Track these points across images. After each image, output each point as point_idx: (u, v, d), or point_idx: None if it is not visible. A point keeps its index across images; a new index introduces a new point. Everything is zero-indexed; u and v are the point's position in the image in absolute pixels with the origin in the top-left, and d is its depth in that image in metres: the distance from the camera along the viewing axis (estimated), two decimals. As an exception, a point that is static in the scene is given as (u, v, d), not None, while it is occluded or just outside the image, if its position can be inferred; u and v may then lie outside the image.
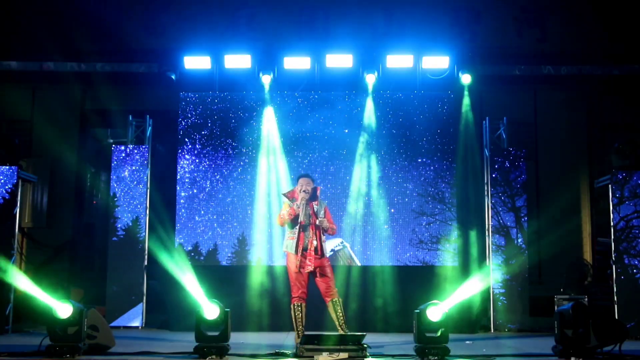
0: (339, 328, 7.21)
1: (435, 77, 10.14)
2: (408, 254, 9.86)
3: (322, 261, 7.23)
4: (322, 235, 7.26)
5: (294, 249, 7.20)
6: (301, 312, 7.21)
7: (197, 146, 10.13)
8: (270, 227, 9.92)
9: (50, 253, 11.09)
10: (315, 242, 7.19)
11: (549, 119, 11.32)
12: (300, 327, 7.20)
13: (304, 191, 7.25)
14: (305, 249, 7.17)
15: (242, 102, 10.21)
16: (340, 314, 7.22)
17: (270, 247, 9.89)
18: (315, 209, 7.29)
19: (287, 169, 10.00)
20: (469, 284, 9.42)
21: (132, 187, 9.98)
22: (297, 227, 7.21)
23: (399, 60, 9.98)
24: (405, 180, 10.03)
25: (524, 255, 9.79)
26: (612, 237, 9.37)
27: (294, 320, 7.23)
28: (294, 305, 7.25)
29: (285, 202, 7.44)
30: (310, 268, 7.15)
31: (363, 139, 10.04)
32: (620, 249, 9.32)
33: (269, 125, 10.08)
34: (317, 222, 7.23)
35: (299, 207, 7.21)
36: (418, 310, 6.63)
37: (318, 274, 7.23)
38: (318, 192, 7.40)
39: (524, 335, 9.20)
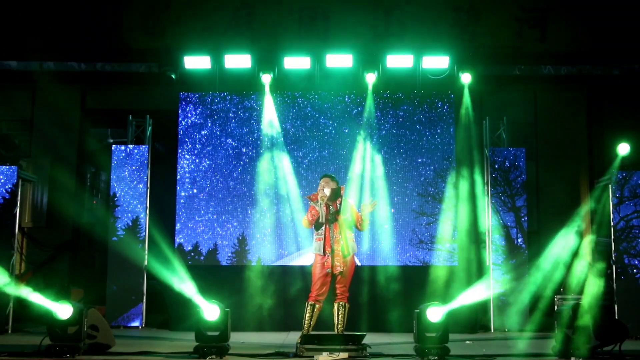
0: (336, 330, 7.21)
1: (435, 77, 10.14)
2: (408, 254, 9.86)
3: (347, 260, 7.23)
4: (347, 233, 7.26)
5: (321, 250, 7.21)
6: (312, 312, 7.19)
7: (197, 146, 10.12)
8: (270, 227, 9.92)
9: (50, 253, 11.09)
10: (341, 242, 7.19)
11: (549, 119, 11.32)
12: (307, 327, 7.19)
13: (323, 191, 7.28)
14: (332, 250, 7.18)
15: (242, 102, 10.21)
16: (342, 319, 7.21)
17: (270, 247, 9.88)
18: (339, 208, 7.29)
19: (288, 168, 10.01)
20: (469, 284, 9.46)
21: (132, 187, 9.98)
22: (323, 228, 7.23)
23: (399, 60, 9.97)
24: (405, 180, 10.02)
25: (524, 255, 9.80)
26: (612, 237, 9.38)
27: (303, 318, 7.22)
28: (308, 303, 7.24)
29: (311, 205, 7.45)
30: (340, 268, 7.14)
31: (363, 139, 10.04)
32: (620, 249, 9.33)
33: (269, 124, 10.08)
34: (342, 220, 7.23)
35: (319, 210, 7.22)
36: (418, 310, 6.63)
37: (340, 274, 7.23)
38: (342, 191, 7.42)
39: (524, 335, 9.19)
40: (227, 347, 6.66)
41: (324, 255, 7.18)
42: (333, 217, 7.24)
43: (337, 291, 7.25)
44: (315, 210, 7.26)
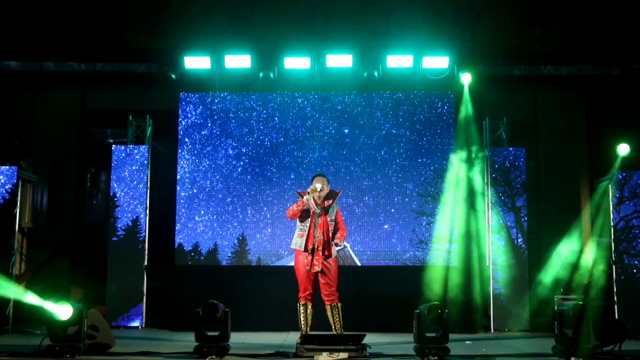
0: (335, 331, 7.22)
1: (435, 77, 10.14)
2: (408, 254, 9.86)
3: (329, 261, 7.24)
4: (330, 235, 7.27)
5: (302, 246, 7.22)
6: (305, 312, 7.22)
7: (197, 146, 10.13)
8: (270, 227, 9.93)
9: (50, 253, 11.07)
10: (323, 242, 7.21)
11: (549, 119, 11.31)
12: (304, 327, 7.20)
13: (315, 186, 7.31)
14: (314, 248, 7.19)
15: (242, 102, 10.21)
16: (337, 319, 7.22)
17: (270, 247, 9.89)
18: (327, 208, 7.30)
19: (288, 169, 10.02)
20: (469, 284, 9.46)
21: (132, 187, 9.97)
22: (307, 225, 7.23)
23: (399, 60, 9.98)
24: (405, 180, 10.03)
25: (524, 255, 9.80)
26: (612, 237, 9.38)
27: (299, 319, 7.24)
28: (299, 304, 7.27)
29: (299, 200, 7.46)
30: (317, 268, 7.16)
31: (363, 139, 10.04)
32: (620, 249, 9.33)
33: (269, 125, 10.09)
34: (327, 221, 7.27)
35: (307, 201, 7.25)
36: (418, 310, 6.63)
37: (322, 274, 7.24)
38: (337, 196, 7.46)
39: (524, 335, 9.20)
40: (227, 347, 6.66)
41: (304, 251, 7.21)
42: (319, 213, 7.25)
43: (325, 292, 7.25)
44: (302, 201, 7.28)
